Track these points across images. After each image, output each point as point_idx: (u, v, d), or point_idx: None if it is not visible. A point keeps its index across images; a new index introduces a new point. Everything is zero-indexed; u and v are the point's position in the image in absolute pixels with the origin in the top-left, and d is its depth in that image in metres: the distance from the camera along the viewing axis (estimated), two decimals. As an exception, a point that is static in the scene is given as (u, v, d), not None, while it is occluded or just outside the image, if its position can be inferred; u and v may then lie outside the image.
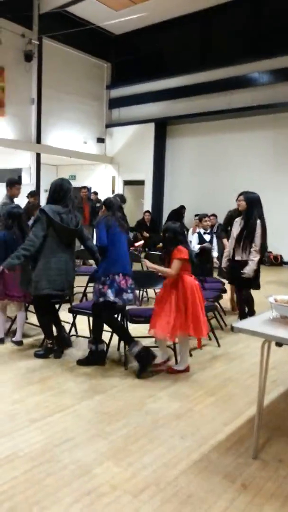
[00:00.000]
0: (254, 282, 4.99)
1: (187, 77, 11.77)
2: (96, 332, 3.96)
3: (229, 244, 5.21)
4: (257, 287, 5.07)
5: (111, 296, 3.69)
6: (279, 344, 2.52)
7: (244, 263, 4.88)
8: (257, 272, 4.95)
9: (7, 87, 10.95)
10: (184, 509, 2.12)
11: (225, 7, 10.83)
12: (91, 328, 4.14)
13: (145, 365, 3.70)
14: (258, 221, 4.85)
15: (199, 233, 6.52)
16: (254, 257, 4.82)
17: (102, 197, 12.94)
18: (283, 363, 4.07)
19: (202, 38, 11.68)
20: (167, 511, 2.11)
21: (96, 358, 3.89)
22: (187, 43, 11.89)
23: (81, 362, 3.90)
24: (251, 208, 4.91)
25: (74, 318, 4.38)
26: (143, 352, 3.71)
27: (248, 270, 4.83)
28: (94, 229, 6.74)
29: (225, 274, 5.38)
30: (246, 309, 5.12)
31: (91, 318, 4.33)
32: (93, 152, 13.55)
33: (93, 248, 4.21)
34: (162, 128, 12.97)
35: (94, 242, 4.05)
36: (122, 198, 7.38)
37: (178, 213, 11.78)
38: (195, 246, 6.33)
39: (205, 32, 11.57)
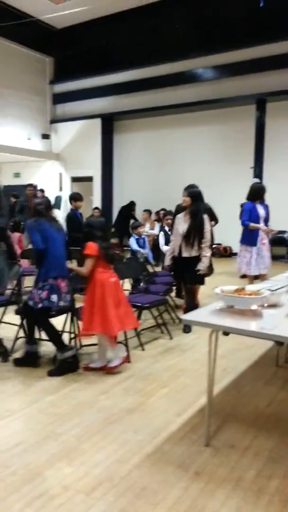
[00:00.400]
0: (202, 277, 4.94)
1: (133, 72, 11.76)
2: (30, 332, 3.88)
3: (172, 241, 5.00)
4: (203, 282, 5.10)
5: (56, 301, 3.65)
6: (225, 333, 2.57)
7: (194, 259, 4.75)
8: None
9: None
10: (138, 502, 2.12)
11: (171, 2, 10.90)
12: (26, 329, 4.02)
13: (63, 370, 3.66)
14: (205, 216, 4.79)
15: (165, 231, 6.53)
16: (207, 253, 4.75)
17: (49, 194, 12.69)
18: (233, 351, 4.17)
19: (147, 33, 11.66)
20: (120, 506, 2.09)
21: (29, 359, 3.81)
22: (133, 38, 11.82)
23: (17, 362, 3.83)
24: (196, 203, 4.79)
25: (22, 319, 4.24)
26: (70, 359, 3.71)
27: (203, 266, 4.74)
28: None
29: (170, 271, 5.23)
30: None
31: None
32: (38, 148, 13.23)
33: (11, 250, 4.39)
34: (109, 124, 12.89)
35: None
36: (77, 196, 7.18)
37: (128, 209, 11.80)
38: (163, 245, 6.37)
39: (151, 27, 11.57)
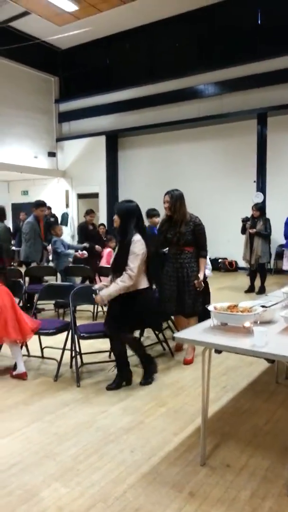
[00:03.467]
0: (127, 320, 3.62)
1: (136, 90, 12.00)
2: None
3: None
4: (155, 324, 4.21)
5: None
6: (218, 351, 2.59)
7: (126, 296, 3.60)
8: (143, 306, 3.64)
9: None
10: (131, 524, 2.13)
11: (170, 21, 11.17)
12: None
13: None
14: (137, 237, 3.60)
15: None
16: (122, 281, 3.52)
17: (56, 211, 12.88)
18: (234, 369, 4.17)
19: (148, 52, 11.95)
20: (114, 528, 2.10)
21: None
22: (134, 57, 12.14)
23: None
24: (125, 222, 3.67)
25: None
26: None
27: (104, 293, 3.59)
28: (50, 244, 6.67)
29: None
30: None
31: (42, 337, 4.31)
32: (45, 166, 13.46)
33: None
34: (113, 141, 13.09)
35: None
36: (154, 212, 6.82)
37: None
38: None
39: (151, 46, 11.85)
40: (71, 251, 6.92)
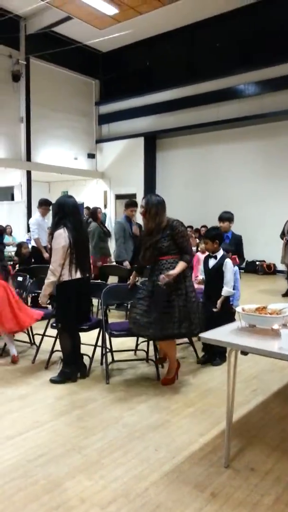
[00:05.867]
0: (61, 317, 3.90)
1: (175, 91, 12.01)
2: None
3: None
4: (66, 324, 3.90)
5: None
6: (244, 353, 2.56)
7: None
8: (64, 301, 3.80)
9: (-4, 107, 11.20)
10: (151, 520, 2.14)
11: (210, 22, 11.12)
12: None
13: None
14: (62, 230, 3.68)
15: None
16: (46, 278, 3.73)
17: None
18: (265, 372, 4.09)
19: (188, 52, 11.95)
20: (134, 523, 2.12)
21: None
22: (174, 58, 12.16)
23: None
24: (56, 215, 3.83)
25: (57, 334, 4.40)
26: None
27: (41, 295, 3.86)
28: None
29: None
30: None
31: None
32: (84, 167, 13.72)
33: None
34: (152, 142, 13.16)
35: None
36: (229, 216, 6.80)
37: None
38: None
39: (191, 46, 11.84)
40: None
